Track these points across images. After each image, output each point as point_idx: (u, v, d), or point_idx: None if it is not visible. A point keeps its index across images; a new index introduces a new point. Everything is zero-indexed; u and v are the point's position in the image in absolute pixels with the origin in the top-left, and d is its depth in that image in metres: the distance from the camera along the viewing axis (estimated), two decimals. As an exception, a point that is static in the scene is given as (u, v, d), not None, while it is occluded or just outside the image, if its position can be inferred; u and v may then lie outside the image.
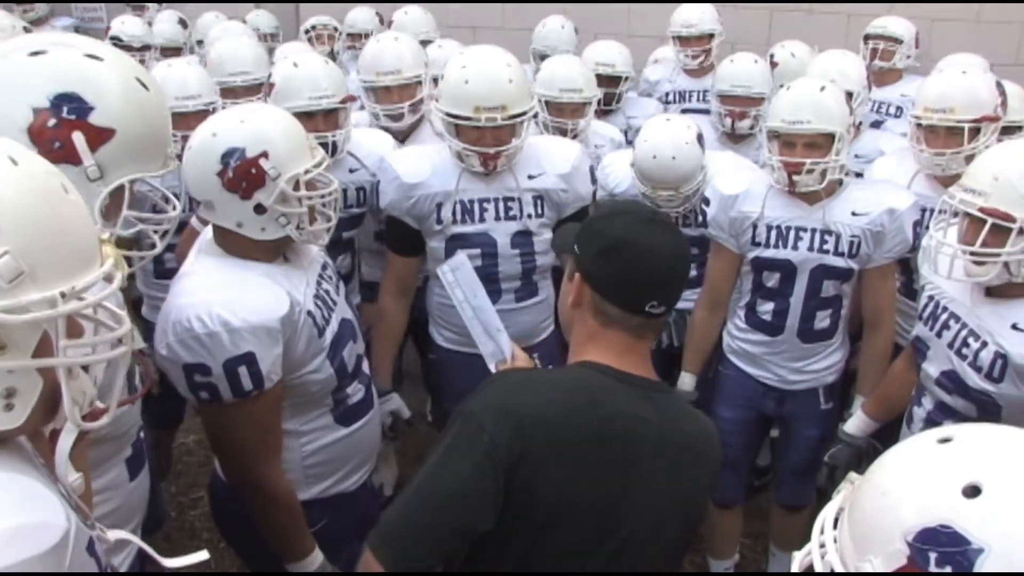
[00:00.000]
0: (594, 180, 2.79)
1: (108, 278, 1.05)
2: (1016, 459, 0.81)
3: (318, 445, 2.02)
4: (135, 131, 1.45)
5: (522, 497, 1.40)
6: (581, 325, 1.54)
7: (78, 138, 1.39)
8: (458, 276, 1.74)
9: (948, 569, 0.76)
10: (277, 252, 1.93)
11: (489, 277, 2.57)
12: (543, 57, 4.40)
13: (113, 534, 1.12)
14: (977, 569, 0.75)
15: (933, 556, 0.77)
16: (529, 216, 2.63)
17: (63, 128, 1.39)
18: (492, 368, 1.74)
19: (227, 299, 1.76)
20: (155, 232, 1.64)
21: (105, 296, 1.02)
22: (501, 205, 2.60)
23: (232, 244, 1.89)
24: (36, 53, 1.42)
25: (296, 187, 1.85)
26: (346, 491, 2.11)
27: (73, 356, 0.99)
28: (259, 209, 1.83)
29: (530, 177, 2.62)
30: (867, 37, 4.16)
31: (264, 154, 1.81)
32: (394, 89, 3.18)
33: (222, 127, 1.86)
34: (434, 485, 1.40)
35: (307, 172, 1.86)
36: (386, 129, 3.19)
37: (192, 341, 1.73)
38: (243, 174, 1.80)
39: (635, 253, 1.46)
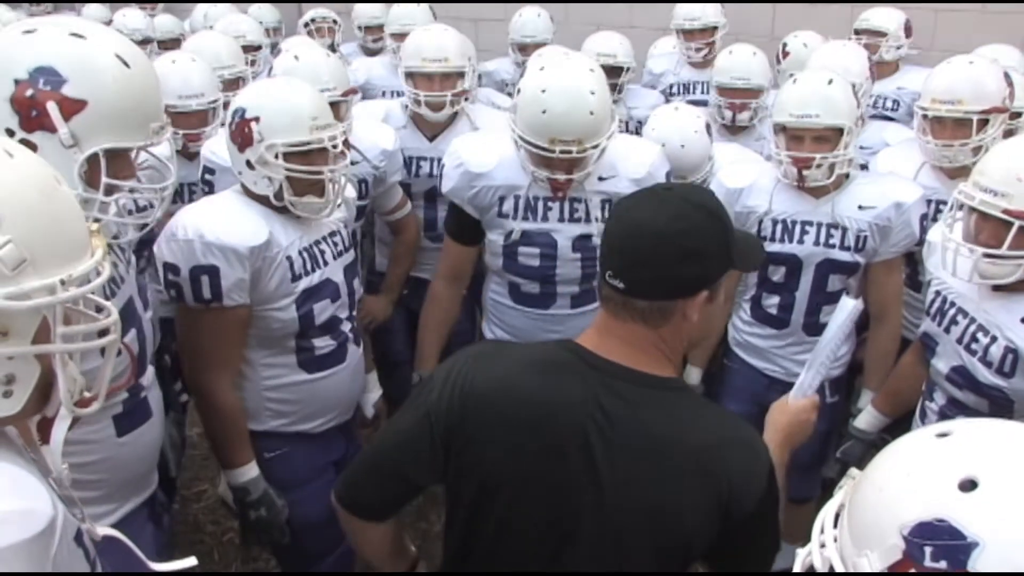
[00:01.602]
0: None
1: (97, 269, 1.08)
2: (1014, 453, 0.80)
3: (279, 383, 2.25)
4: (109, 104, 1.54)
5: (458, 467, 1.45)
6: None
7: (52, 107, 1.49)
8: (848, 316, 1.80)
9: (943, 563, 0.75)
10: (278, 206, 2.15)
11: (546, 279, 2.52)
12: (521, 47, 4.39)
13: (102, 530, 1.13)
14: (972, 563, 0.74)
15: (928, 550, 0.76)
16: (596, 219, 2.50)
17: (39, 98, 1.49)
18: (792, 395, 1.75)
19: (212, 219, 2.07)
20: (154, 193, 1.77)
21: (96, 286, 1.05)
22: (567, 206, 2.47)
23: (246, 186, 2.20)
24: (28, 32, 1.54)
25: (277, 157, 2.07)
26: (308, 432, 2.32)
27: (70, 343, 1.02)
28: (248, 164, 2.12)
29: (601, 179, 2.45)
30: (856, 32, 4.09)
31: (256, 119, 2.09)
32: (436, 77, 3.06)
33: (248, 91, 2.24)
34: (383, 432, 1.58)
35: (288, 146, 2.07)
36: (419, 118, 3.14)
37: (173, 244, 2.05)
38: (240, 130, 2.12)
39: (615, 219, 1.45)
